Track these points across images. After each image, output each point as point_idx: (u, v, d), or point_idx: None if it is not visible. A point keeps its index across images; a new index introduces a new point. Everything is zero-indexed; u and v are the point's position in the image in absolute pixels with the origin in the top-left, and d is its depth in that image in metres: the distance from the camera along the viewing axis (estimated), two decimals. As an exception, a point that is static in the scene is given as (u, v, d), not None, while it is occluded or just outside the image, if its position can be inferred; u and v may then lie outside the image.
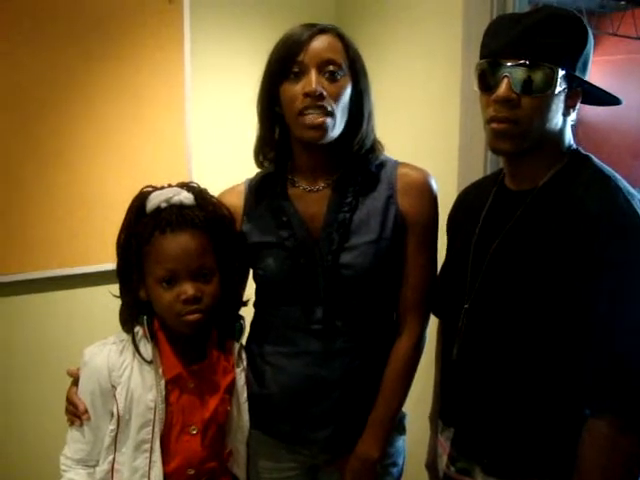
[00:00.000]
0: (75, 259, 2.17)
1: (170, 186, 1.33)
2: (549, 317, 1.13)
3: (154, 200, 1.29)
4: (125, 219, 1.32)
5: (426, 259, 1.39)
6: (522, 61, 1.11)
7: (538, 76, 1.11)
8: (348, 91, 1.31)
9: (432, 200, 1.38)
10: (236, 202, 1.42)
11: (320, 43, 1.28)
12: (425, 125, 2.23)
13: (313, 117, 1.26)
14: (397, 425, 1.45)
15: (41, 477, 1.98)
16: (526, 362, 1.16)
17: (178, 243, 1.26)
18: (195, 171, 2.34)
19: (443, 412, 1.36)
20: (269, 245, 1.36)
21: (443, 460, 1.34)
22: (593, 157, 1.22)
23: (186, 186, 1.34)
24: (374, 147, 1.38)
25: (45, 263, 2.12)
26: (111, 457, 1.28)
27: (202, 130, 2.37)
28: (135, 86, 2.21)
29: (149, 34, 2.22)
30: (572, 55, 1.13)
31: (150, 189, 1.32)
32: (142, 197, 1.31)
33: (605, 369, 1.08)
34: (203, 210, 1.30)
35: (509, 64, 1.12)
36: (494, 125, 1.15)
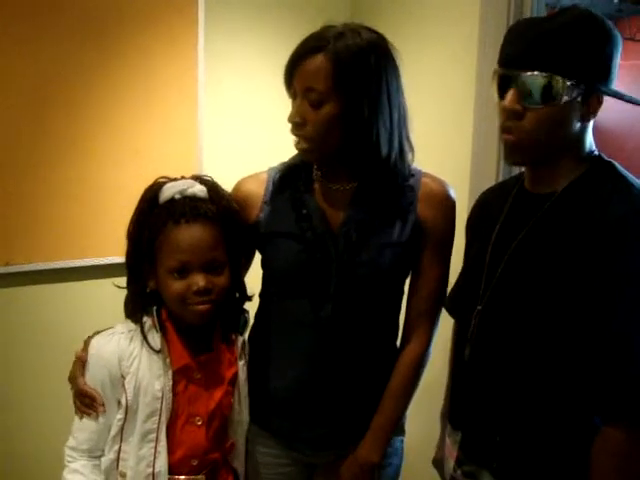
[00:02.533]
0: (85, 251, 2.18)
1: (183, 178, 1.34)
2: (562, 323, 1.11)
3: (168, 191, 1.29)
4: (137, 209, 1.32)
5: (440, 270, 1.39)
6: (528, 72, 1.09)
7: (542, 87, 1.09)
8: (332, 115, 1.26)
9: (451, 213, 1.39)
10: (257, 190, 1.41)
11: (307, 67, 1.26)
12: (438, 129, 2.22)
13: (296, 141, 1.31)
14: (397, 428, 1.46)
15: (43, 467, 1.99)
16: (537, 367, 1.15)
17: (192, 234, 1.27)
18: (206, 164, 2.34)
19: (452, 414, 1.36)
20: (286, 235, 1.36)
21: (450, 463, 1.33)
22: (616, 163, 1.19)
23: (199, 179, 1.35)
24: (402, 157, 1.35)
25: (55, 254, 2.13)
26: (117, 446, 1.29)
27: (214, 123, 2.37)
28: (149, 79, 2.22)
29: (163, 26, 2.23)
30: (583, 63, 1.10)
31: (164, 180, 1.33)
32: (156, 188, 1.31)
33: (621, 377, 1.07)
34: (215, 203, 1.31)
35: (516, 74, 1.11)
36: (504, 136, 1.15)
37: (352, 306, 1.34)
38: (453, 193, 1.39)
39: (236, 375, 1.38)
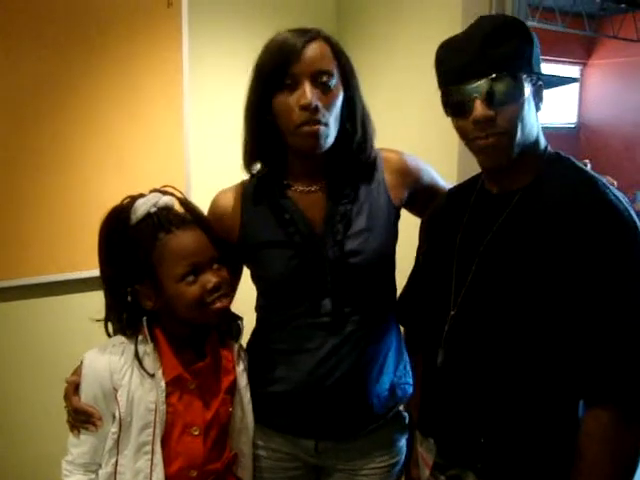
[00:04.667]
0: (72, 264, 2.14)
1: (143, 195, 1.32)
2: (543, 317, 1.11)
3: (142, 207, 1.28)
4: (109, 234, 1.29)
5: (442, 181, 1.50)
6: (486, 77, 1.10)
7: (506, 86, 1.10)
8: (341, 98, 1.31)
9: (412, 161, 1.45)
10: (233, 204, 1.40)
11: (312, 52, 1.26)
12: (425, 127, 2.21)
13: (310, 128, 1.26)
14: (400, 425, 1.47)
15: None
16: (518, 365, 1.15)
17: (189, 237, 1.27)
18: (193, 174, 2.32)
19: (423, 423, 1.34)
20: (273, 244, 1.35)
21: (425, 473, 1.32)
22: (573, 159, 1.22)
23: (160, 192, 1.34)
24: (372, 140, 1.39)
25: (42, 268, 2.10)
26: (114, 460, 1.27)
27: (200, 133, 2.36)
28: (133, 89, 2.20)
29: (148, 37, 2.21)
30: (527, 55, 1.13)
31: (128, 200, 1.31)
32: (124, 208, 1.29)
33: (606, 359, 1.07)
34: (184, 208, 1.33)
35: (475, 84, 1.11)
36: (480, 142, 1.14)
37: (352, 295, 1.35)
38: (406, 154, 1.45)
39: (234, 383, 1.36)
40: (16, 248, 2.06)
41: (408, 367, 1.49)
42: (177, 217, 1.28)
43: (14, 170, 2.03)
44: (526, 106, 1.13)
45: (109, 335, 1.33)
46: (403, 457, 1.48)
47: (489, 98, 1.10)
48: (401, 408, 1.48)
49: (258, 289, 1.43)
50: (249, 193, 1.41)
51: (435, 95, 2.15)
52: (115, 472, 1.26)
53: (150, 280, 1.27)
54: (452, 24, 2.05)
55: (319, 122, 1.26)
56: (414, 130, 2.25)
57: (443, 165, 2.07)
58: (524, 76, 1.11)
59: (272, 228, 1.35)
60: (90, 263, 2.10)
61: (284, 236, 1.34)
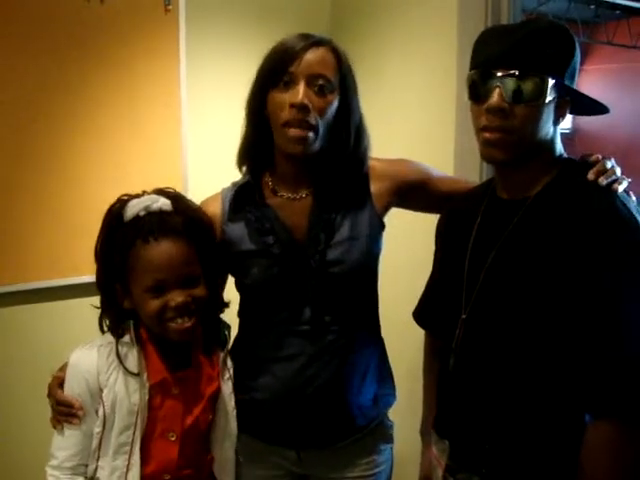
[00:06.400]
0: (72, 269, 2.15)
1: (145, 193, 1.32)
2: (550, 324, 1.12)
3: (133, 209, 1.27)
4: (102, 228, 1.31)
5: (436, 171, 1.50)
6: (513, 71, 1.11)
7: (529, 86, 1.11)
8: (334, 106, 1.32)
9: (396, 164, 1.46)
10: (215, 211, 1.41)
11: (313, 56, 1.29)
12: (420, 135, 2.23)
13: (296, 130, 1.28)
14: (385, 434, 1.46)
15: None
16: (526, 370, 1.16)
17: (163, 252, 1.25)
18: (191, 179, 2.34)
19: (438, 424, 1.35)
20: (253, 253, 1.36)
21: (438, 473, 1.33)
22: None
23: (162, 192, 1.33)
24: (366, 163, 1.41)
25: (41, 274, 2.12)
26: (97, 454, 1.28)
27: (198, 138, 2.37)
28: (131, 95, 2.21)
29: (145, 43, 2.22)
30: (561, 65, 1.14)
31: (127, 197, 1.31)
32: (119, 206, 1.29)
33: (611, 371, 1.08)
34: (182, 215, 1.30)
35: (500, 74, 1.12)
36: (487, 135, 1.15)
37: (332, 304, 1.35)
38: (388, 159, 1.47)
39: (217, 391, 1.36)
40: (15, 253, 2.07)
41: (391, 378, 1.49)
42: (163, 225, 1.26)
43: (13, 176, 2.05)
44: (544, 112, 1.14)
45: (103, 332, 1.33)
46: (389, 464, 1.48)
47: (509, 91, 1.11)
48: (386, 416, 1.48)
49: (240, 295, 1.44)
50: (230, 201, 1.41)
51: (430, 99, 2.18)
52: (96, 467, 1.28)
53: (123, 281, 1.28)
54: (448, 28, 2.06)
55: (306, 125, 1.27)
56: (409, 135, 2.26)
57: (440, 167, 2.09)
58: (551, 82, 1.12)
59: (252, 237, 1.36)
60: (89, 268, 2.11)
61: (264, 245, 1.35)
